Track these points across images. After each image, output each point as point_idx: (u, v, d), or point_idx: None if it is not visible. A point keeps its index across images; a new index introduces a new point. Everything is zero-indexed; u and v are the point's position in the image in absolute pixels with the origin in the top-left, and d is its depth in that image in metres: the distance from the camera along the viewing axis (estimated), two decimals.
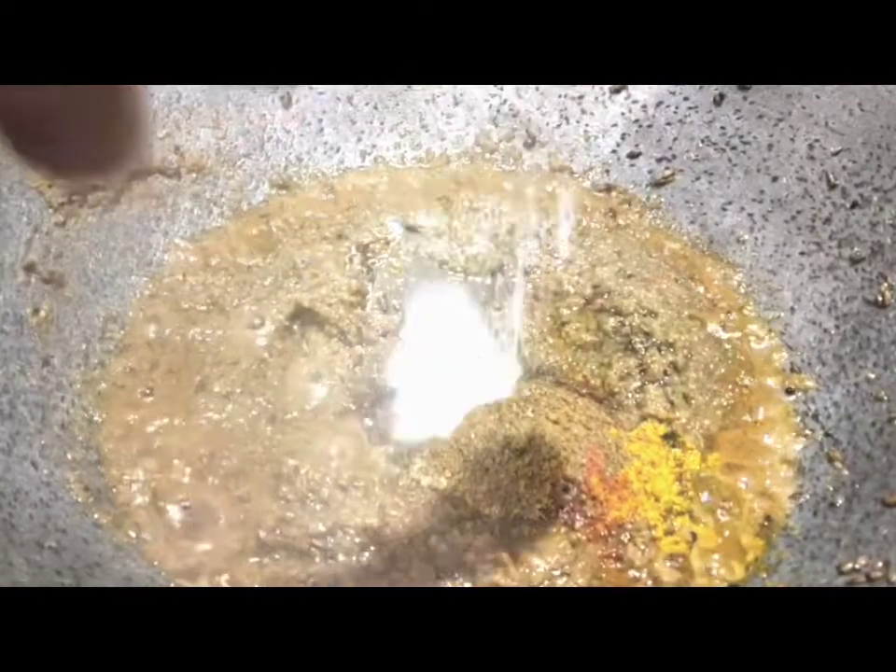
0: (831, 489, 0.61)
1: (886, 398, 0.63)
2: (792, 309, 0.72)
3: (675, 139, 0.80)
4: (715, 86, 0.78)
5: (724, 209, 0.78)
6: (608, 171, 0.83)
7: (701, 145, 0.79)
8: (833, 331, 0.69)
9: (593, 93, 0.82)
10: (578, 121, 0.83)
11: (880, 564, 0.53)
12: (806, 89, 0.74)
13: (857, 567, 0.54)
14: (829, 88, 0.73)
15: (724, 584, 0.59)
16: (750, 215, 0.77)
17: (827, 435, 0.65)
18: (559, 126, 0.84)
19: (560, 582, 0.58)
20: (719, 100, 0.78)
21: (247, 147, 0.81)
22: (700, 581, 0.59)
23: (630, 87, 0.82)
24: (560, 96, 0.83)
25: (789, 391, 0.69)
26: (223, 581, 0.57)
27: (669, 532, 0.61)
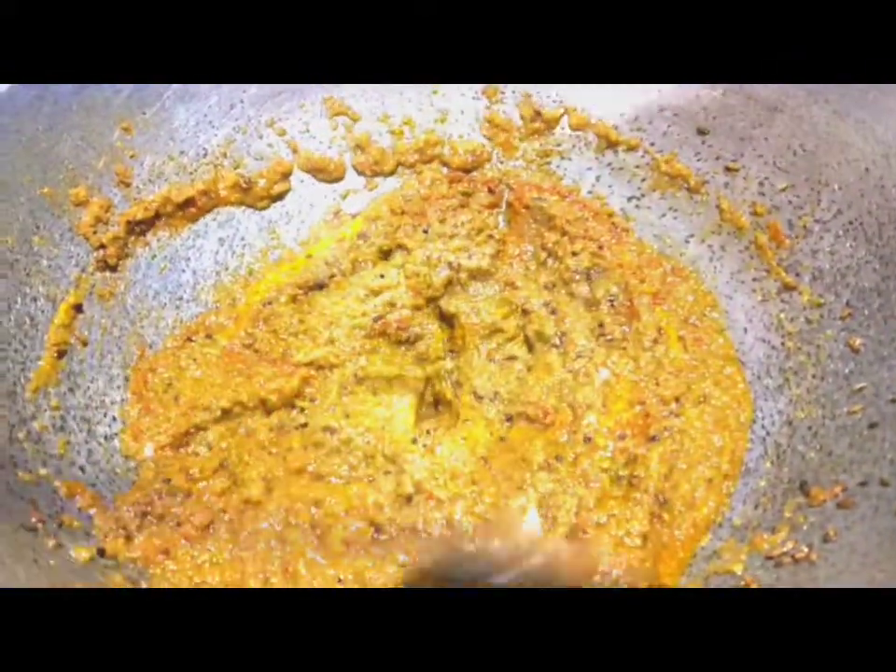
0: (770, 485, 0.69)
1: (822, 405, 0.71)
2: (745, 329, 0.80)
3: (643, 179, 0.90)
4: (677, 132, 0.88)
5: (687, 241, 0.87)
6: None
7: (666, 184, 0.88)
8: (779, 348, 0.77)
9: (569, 142, 0.92)
10: (557, 166, 0.93)
11: (804, 547, 0.61)
12: (756, 132, 0.83)
13: (785, 550, 0.62)
14: (776, 131, 0.82)
15: None
16: (710, 246, 0.85)
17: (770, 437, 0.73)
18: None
19: None
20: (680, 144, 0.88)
21: None
22: None
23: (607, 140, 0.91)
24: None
25: None
26: None
27: None
